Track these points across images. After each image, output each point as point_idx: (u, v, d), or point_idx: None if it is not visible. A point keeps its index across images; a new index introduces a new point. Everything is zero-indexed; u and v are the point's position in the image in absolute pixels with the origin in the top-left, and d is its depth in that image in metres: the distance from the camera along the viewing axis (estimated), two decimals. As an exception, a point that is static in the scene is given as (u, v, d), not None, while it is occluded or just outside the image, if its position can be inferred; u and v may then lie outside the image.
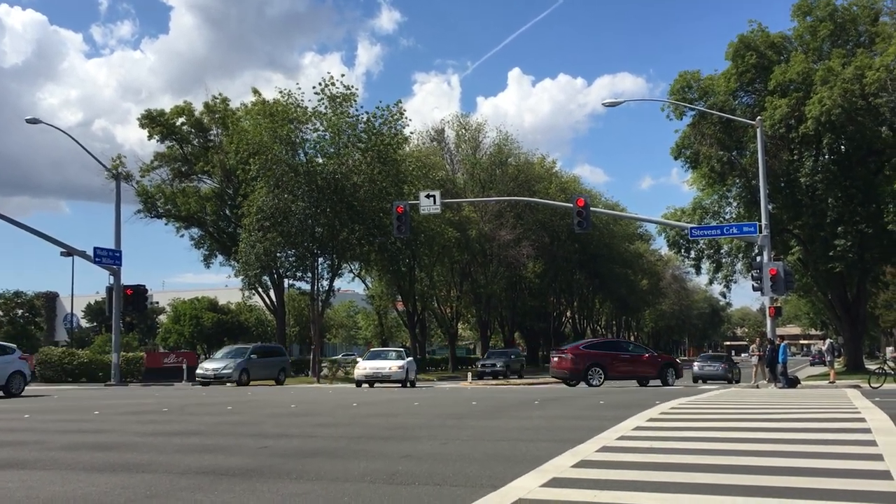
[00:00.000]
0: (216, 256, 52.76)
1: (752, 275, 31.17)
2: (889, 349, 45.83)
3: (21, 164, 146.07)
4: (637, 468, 8.79)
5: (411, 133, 50.07)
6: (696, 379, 40.53)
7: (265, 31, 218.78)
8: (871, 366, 40.17)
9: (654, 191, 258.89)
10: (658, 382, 32.07)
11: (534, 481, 8.08)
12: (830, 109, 36.43)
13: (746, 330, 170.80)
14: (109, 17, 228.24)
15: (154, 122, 49.13)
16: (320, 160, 43.25)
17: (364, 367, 33.07)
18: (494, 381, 40.46)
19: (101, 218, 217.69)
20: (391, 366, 32.53)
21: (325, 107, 42.48)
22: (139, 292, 37.99)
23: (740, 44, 41.36)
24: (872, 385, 26.24)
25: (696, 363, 44.03)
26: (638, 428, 12.93)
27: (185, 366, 39.26)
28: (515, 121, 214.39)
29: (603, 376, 31.11)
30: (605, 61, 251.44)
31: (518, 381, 41.06)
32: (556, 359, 33.02)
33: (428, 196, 33.74)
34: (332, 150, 42.96)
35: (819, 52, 41.45)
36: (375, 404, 20.11)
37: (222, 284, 72.91)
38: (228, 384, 34.97)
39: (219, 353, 40.51)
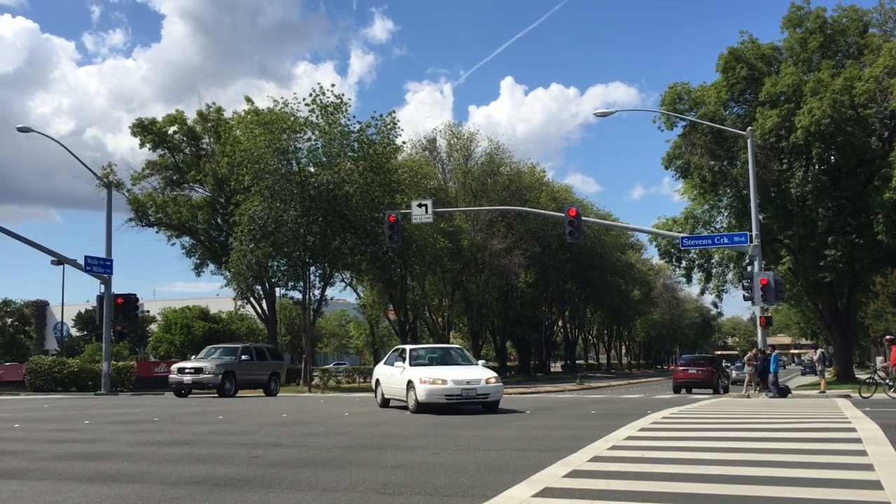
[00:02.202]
0: (207, 265, 52.61)
1: (742, 284, 31.26)
2: (879, 359, 45.98)
3: (11, 172, 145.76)
4: (628, 478, 8.81)
5: (404, 143, 50.12)
6: (733, 382, 45.20)
7: (258, 40, 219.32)
8: (862, 375, 40.34)
9: (645, 200, 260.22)
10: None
11: (526, 491, 8.09)
12: (820, 120, 36.66)
13: (737, 339, 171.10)
14: (101, 25, 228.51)
15: (146, 130, 49.03)
16: (312, 169, 43.26)
17: (438, 377, 18.90)
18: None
19: (91, 226, 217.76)
20: (487, 377, 19.46)
21: (317, 116, 42.53)
22: (130, 301, 37.85)
23: (730, 56, 41.60)
24: (863, 395, 26.33)
25: (733, 371, 50.29)
26: (629, 438, 12.96)
27: (175, 375, 39.07)
28: (508, 130, 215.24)
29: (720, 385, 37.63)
30: (598, 71, 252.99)
31: (510, 389, 40.91)
32: (691, 370, 37.82)
33: (420, 205, 33.78)
34: (324, 159, 42.99)
35: (809, 64, 41.74)
36: (367, 414, 20.08)
37: (213, 293, 72.79)
38: None
39: None
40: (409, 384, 19.40)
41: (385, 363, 22.33)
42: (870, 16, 42.54)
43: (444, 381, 18.74)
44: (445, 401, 18.69)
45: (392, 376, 20.89)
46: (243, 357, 32.77)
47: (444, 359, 21.17)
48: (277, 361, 36.14)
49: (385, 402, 21.72)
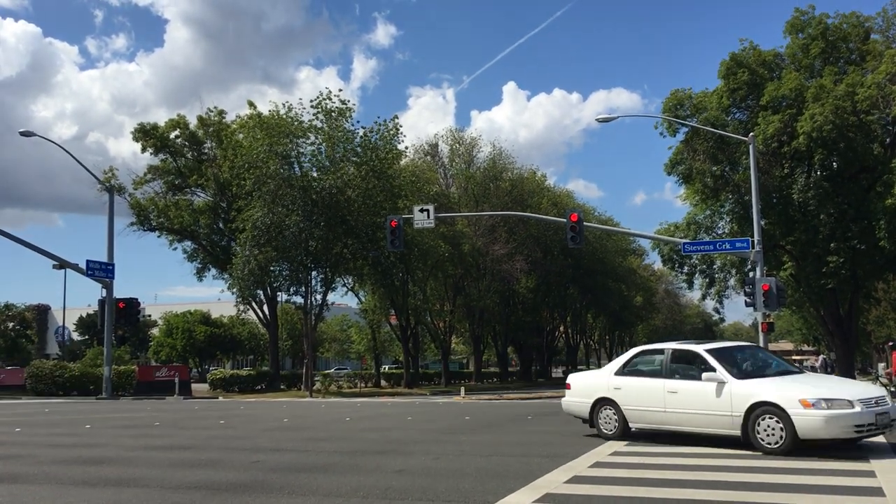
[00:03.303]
0: (209, 270, 52.54)
1: (744, 290, 31.23)
2: (881, 365, 46.07)
3: (13, 176, 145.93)
4: (630, 484, 8.80)
5: (406, 148, 50.12)
6: None
7: (261, 45, 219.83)
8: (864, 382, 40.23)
9: (647, 206, 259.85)
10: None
11: (527, 497, 8.08)
12: (822, 126, 36.65)
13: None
14: (104, 29, 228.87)
15: (148, 135, 49.05)
16: (315, 174, 43.30)
17: (832, 396, 11.70)
18: (487, 396, 40.28)
19: (93, 230, 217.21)
20: (885, 393, 12.86)
21: (321, 121, 42.59)
22: (131, 305, 37.85)
23: (732, 62, 41.58)
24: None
25: None
26: (631, 443, 12.95)
27: (177, 379, 39.09)
28: (510, 135, 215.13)
29: None
30: (601, 76, 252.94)
31: (512, 395, 40.99)
32: None
33: (422, 210, 33.74)
34: (327, 163, 43.03)
35: (811, 70, 41.72)
36: (369, 419, 20.06)
37: (215, 298, 72.59)
38: None
39: None
40: (759, 408, 11.96)
41: (622, 373, 14.21)
42: (872, 22, 42.51)
43: (850, 404, 11.55)
44: (854, 434, 11.62)
45: (674, 395, 13.00)
46: None
47: (761, 364, 13.96)
48: None
49: (625, 431, 13.77)
